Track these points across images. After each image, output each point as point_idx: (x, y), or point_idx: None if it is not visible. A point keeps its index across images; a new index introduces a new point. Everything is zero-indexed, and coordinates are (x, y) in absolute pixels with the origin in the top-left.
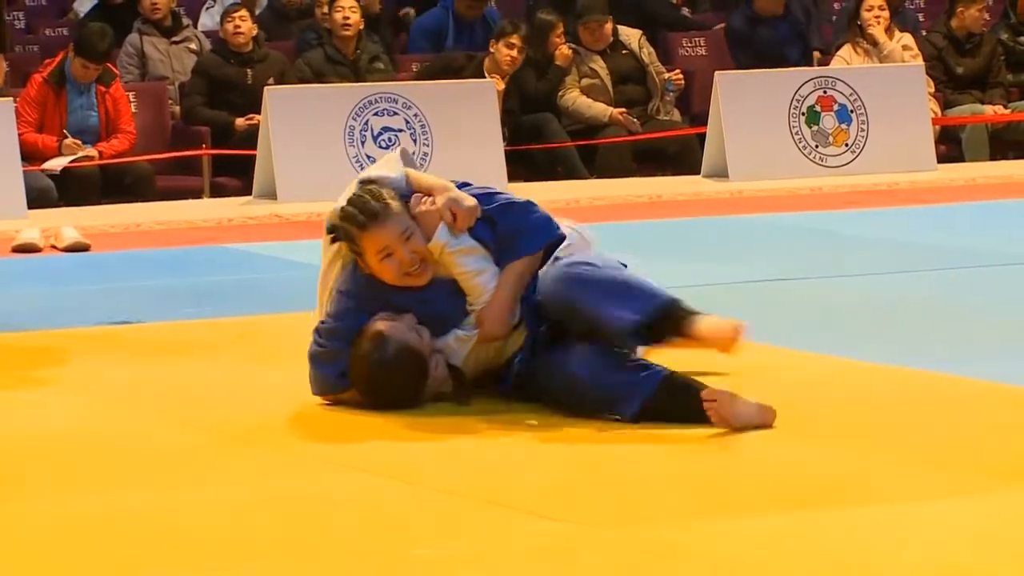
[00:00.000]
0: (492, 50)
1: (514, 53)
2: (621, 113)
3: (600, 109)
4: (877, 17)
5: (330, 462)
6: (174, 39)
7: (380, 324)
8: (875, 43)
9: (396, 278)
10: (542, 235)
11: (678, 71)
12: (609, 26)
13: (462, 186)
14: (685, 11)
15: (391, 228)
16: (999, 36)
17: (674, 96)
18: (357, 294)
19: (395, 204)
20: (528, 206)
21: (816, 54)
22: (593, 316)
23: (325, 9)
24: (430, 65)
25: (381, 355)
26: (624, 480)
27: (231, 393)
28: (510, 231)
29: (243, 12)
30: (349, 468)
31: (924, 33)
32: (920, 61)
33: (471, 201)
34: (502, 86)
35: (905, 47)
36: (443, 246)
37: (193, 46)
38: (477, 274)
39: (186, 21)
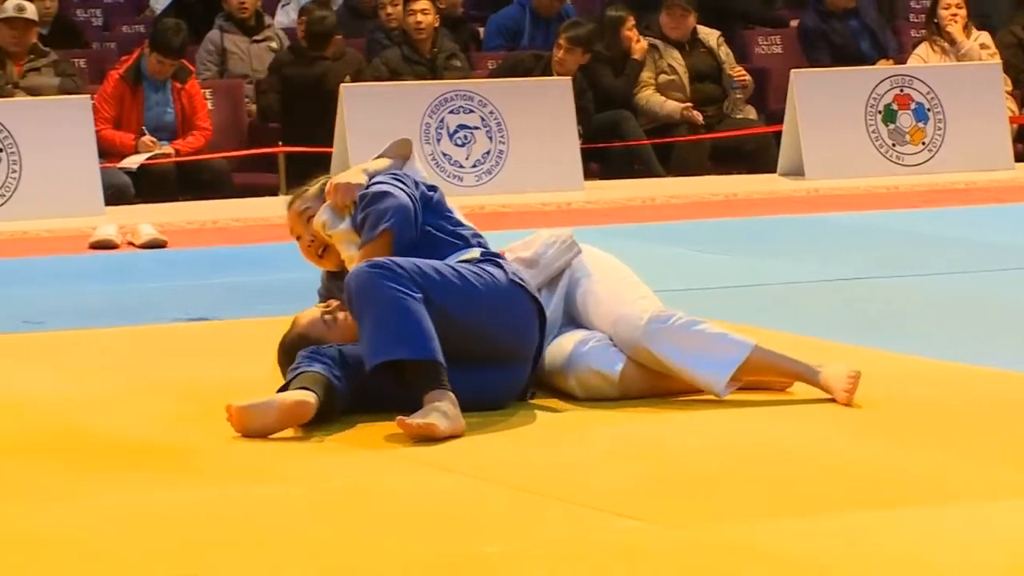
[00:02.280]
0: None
1: (560, 54)
2: (687, 108)
3: (673, 107)
4: (954, 15)
5: (404, 459)
6: (255, 38)
7: (300, 313)
8: (952, 41)
9: (314, 263)
10: (375, 225)
11: (741, 69)
12: (692, 18)
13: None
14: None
15: (294, 209)
16: None
17: (743, 94)
18: (322, 284)
19: (314, 188)
20: (379, 196)
21: (890, 58)
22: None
23: (388, 10)
24: (499, 66)
25: (283, 340)
26: (697, 478)
27: None
28: (360, 218)
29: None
30: (423, 464)
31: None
32: (998, 60)
33: (348, 179)
34: None
35: (983, 46)
36: (322, 225)
37: (274, 44)
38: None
39: (268, 20)
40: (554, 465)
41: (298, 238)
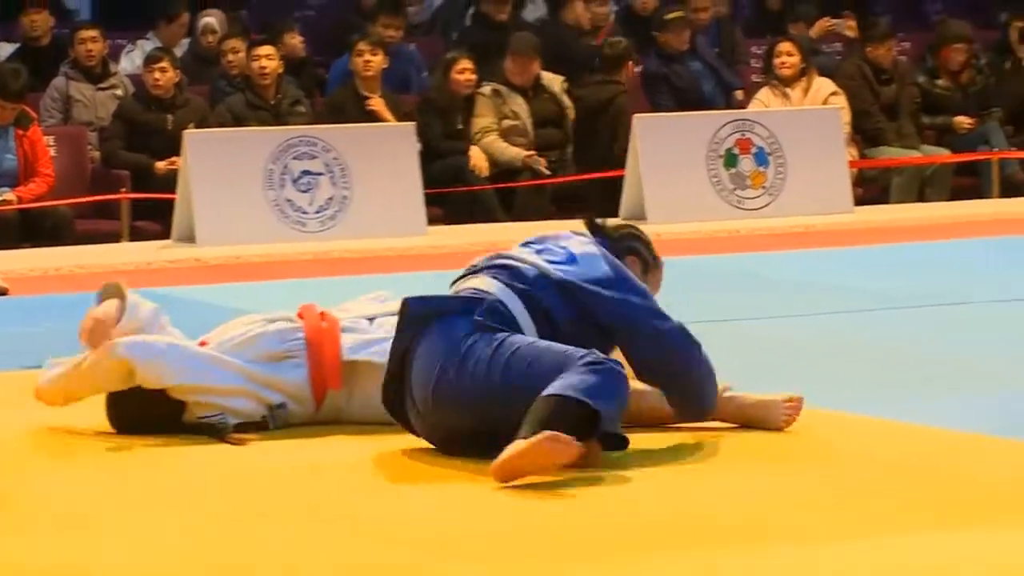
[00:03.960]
0: None
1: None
2: (530, 156)
3: (515, 153)
4: (784, 62)
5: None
6: (101, 85)
7: None
8: (787, 87)
9: None
10: None
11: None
12: (536, 64)
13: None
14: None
15: None
16: (916, 79)
17: None
18: None
19: None
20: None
21: (740, 93)
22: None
23: (230, 57)
24: (324, 106)
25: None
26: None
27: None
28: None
29: (164, 63)
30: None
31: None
32: (842, 103)
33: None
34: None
35: (833, 94)
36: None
37: (119, 92)
38: None
39: (113, 67)
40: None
41: None
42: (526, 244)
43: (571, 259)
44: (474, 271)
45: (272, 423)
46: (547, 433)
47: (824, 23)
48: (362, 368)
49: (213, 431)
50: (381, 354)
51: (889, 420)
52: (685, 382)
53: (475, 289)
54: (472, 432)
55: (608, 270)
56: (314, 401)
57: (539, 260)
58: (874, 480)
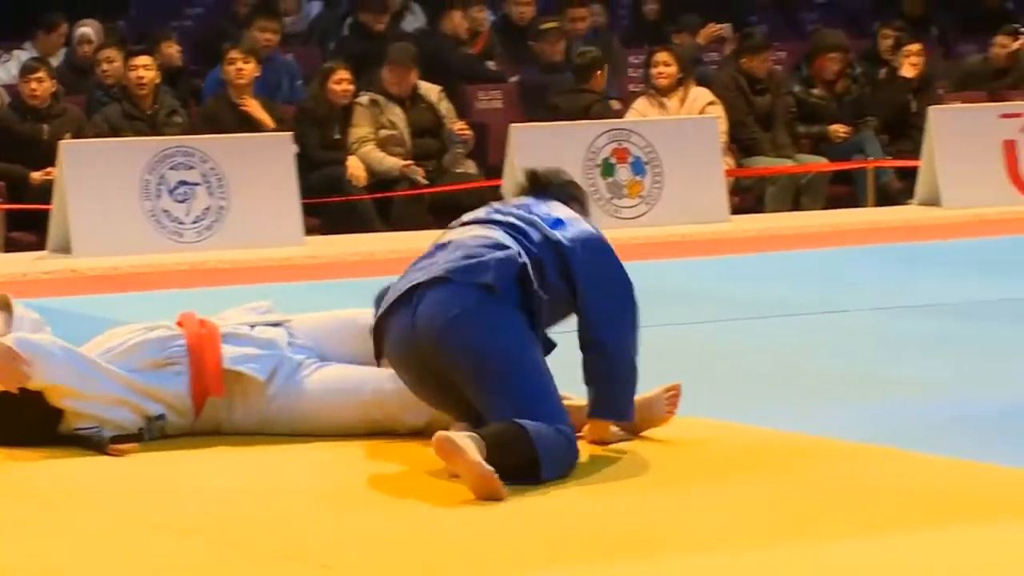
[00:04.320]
0: None
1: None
2: (407, 166)
3: (392, 163)
4: (661, 72)
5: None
6: None
7: None
8: (664, 96)
9: None
10: None
11: (462, 124)
12: (413, 74)
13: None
14: (491, 64)
15: None
16: (792, 89)
17: (463, 149)
18: None
19: None
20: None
21: (617, 103)
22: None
23: (104, 67)
24: (200, 116)
25: None
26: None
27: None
28: None
29: (41, 73)
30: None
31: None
32: (719, 113)
33: None
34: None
35: (710, 103)
36: None
37: None
38: None
39: None
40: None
41: None
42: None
43: (559, 222)
44: (480, 221)
45: (147, 435)
46: (492, 473)
47: (711, 29)
48: (243, 379)
49: (90, 443)
50: (261, 371)
51: (768, 428)
52: (622, 361)
53: (489, 239)
54: (445, 385)
55: (595, 233)
56: (194, 410)
57: (537, 219)
58: (760, 488)
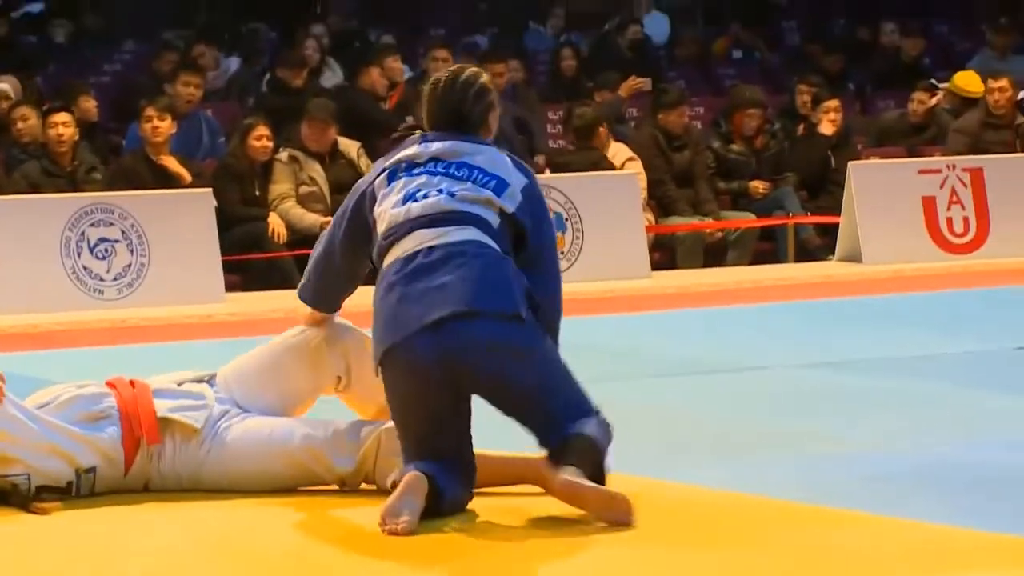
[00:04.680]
0: None
1: None
2: (327, 222)
3: (312, 220)
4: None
5: None
6: None
7: None
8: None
9: None
10: None
11: None
12: (333, 130)
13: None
14: (409, 119)
15: None
16: (711, 144)
17: None
18: None
19: None
20: None
21: (541, 159)
22: None
23: (19, 125)
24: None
25: None
26: None
27: None
28: None
29: None
30: None
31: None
32: (638, 168)
33: None
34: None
35: (630, 159)
36: None
37: None
38: None
39: None
40: None
41: None
42: (432, 164)
43: (501, 184)
44: (445, 220)
45: (76, 491)
46: (624, 496)
47: (632, 82)
48: (177, 428)
49: (16, 493)
50: (196, 420)
51: (688, 484)
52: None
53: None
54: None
55: (528, 181)
56: (124, 462)
57: (487, 194)
58: (679, 545)
